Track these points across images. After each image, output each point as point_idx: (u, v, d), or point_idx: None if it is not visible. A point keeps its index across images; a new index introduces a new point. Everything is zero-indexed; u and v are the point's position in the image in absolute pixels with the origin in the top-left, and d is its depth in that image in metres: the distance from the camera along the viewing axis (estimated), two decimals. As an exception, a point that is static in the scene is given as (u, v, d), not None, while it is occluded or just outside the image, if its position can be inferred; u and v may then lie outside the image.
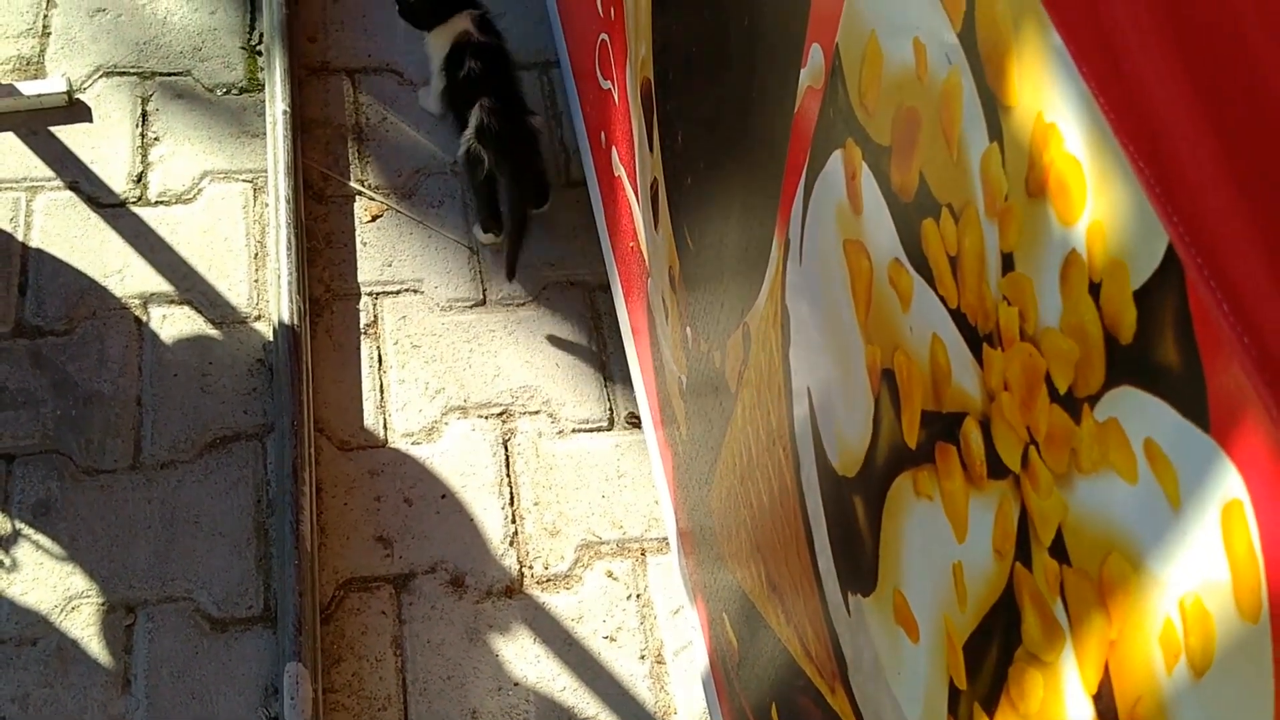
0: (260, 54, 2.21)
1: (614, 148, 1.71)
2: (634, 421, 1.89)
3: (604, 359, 1.96)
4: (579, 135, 2.07)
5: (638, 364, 1.80)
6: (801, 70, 0.97)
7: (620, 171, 1.68)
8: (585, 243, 2.07)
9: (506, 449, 1.88)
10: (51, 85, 2.07)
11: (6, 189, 1.99)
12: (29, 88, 2.07)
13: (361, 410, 1.89)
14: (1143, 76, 0.56)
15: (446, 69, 2.01)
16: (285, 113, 2.06)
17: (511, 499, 1.84)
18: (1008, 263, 0.69)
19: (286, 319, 1.86)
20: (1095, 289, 0.61)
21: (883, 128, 0.84)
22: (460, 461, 1.86)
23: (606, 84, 1.69)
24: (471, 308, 2.01)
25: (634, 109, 1.54)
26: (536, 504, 1.84)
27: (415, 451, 1.86)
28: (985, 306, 0.72)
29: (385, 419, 1.88)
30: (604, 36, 1.66)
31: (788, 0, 0.98)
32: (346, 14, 2.30)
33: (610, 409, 1.92)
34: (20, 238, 1.95)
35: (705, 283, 1.31)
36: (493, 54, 1.98)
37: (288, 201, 1.97)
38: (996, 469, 0.73)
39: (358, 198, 2.09)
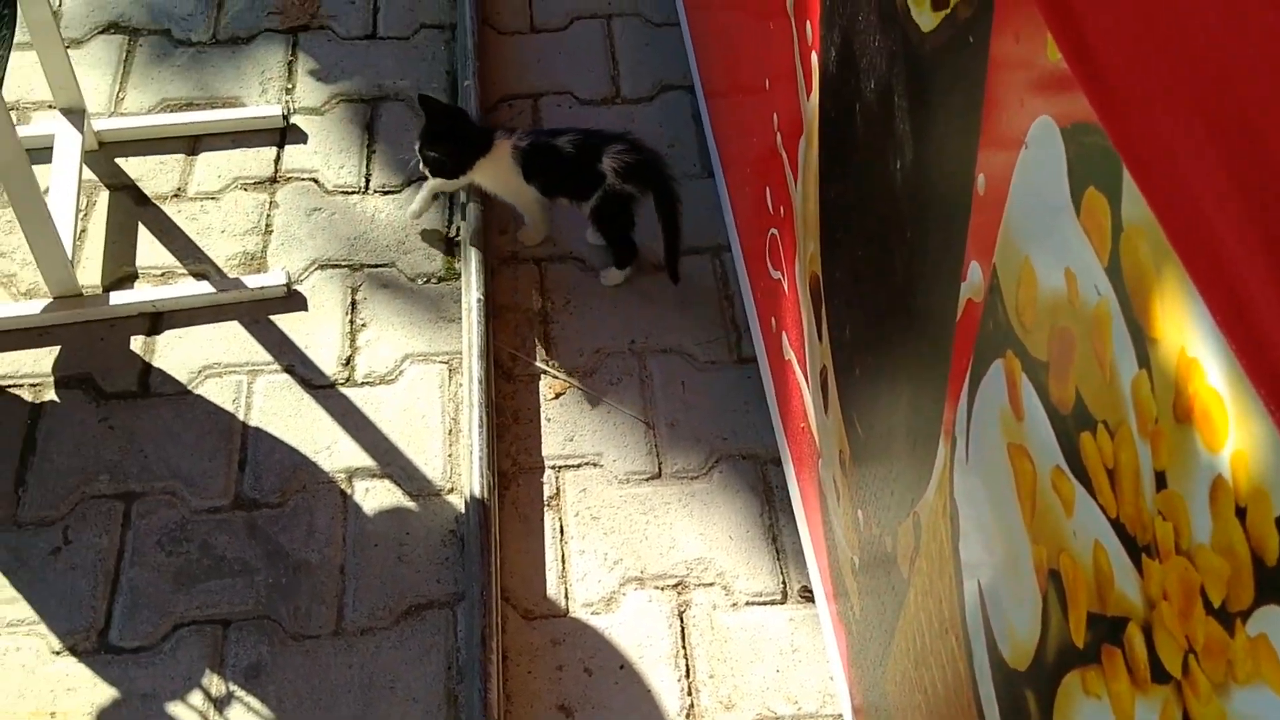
0: (457, 246, 2.42)
1: (784, 333, 1.82)
2: (807, 595, 1.95)
3: (776, 532, 2.03)
4: (750, 316, 2.18)
5: (810, 539, 1.86)
6: (962, 283, 1.05)
7: (790, 355, 1.78)
8: (756, 418, 2.16)
9: (682, 620, 1.95)
10: (273, 278, 2.31)
11: (230, 372, 2.22)
12: (253, 281, 2.31)
13: (545, 580, 1.99)
14: (1266, 325, 0.62)
15: (532, 176, 2.26)
16: (479, 300, 2.24)
17: (687, 671, 1.90)
18: (1161, 480, 0.75)
19: (477, 492, 2.00)
20: (1241, 513, 0.66)
21: (1040, 344, 0.91)
22: (637, 632, 1.93)
23: (776, 274, 1.81)
24: (647, 480, 2.11)
25: (803, 299, 1.64)
26: (712, 677, 1.89)
27: (595, 621, 1.95)
28: (1143, 519, 0.78)
29: (567, 589, 1.98)
30: (774, 231, 1.79)
31: (947, 220, 1.07)
32: (533, 205, 2.50)
33: (783, 582, 1.98)
34: (241, 417, 2.16)
35: (875, 470, 1.38)
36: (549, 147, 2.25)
37: (480, 381, 2.13)
38: (1159, 674, 0.77)
39: (543, 376, 2.24)
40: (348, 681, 1.87)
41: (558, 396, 2.22)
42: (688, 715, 1.86)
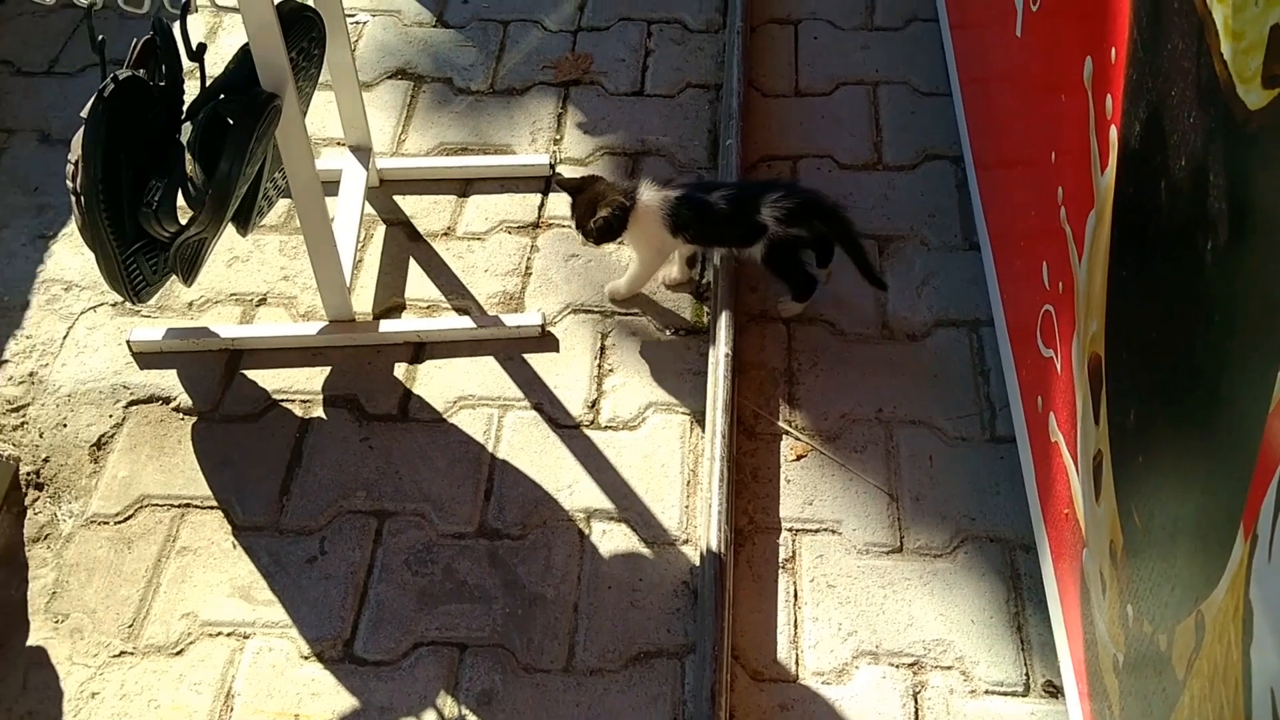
0: (707, 300, 2.46)
1: (1051, 414, 1.77)
2: (1051, 690, 1.87)
3: (1022, 621, 1.96)
4: (1011, 394, 2.13)
5: (1064, 632, 1.79)
6: (1278, 378, 1.01)
7: (1058, 438, 1.73)
8: (1007, 499, 2.10)
9: (916, 702, 1.90)
10: (529, 319, 2.40)
11: (483, 405, 2.31)
12: (511, 319, 2.41)
13: (775, 643, 1.98)
14: None
15: (681, 229, 2.31)
16: (727, 355, 2.27)
17: (917, 753, 1.85)
18: None
19: (714, 546, 2.01)
20: None
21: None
22: (869, 708, 1.90)
23: (1048, 352, 1.76)
24: (888, 554, 2.08)
25: (1079, 380, 1.59)
26: (942, 762, 1.84)
27: (825, 691, 1.92)
28: None
29: (798, 654, 1.97)
30: (1049, 307, 1.74)
31: (1266, 305, 1.03)
32: (787, 266, 2.52)
33: (1027, 674, 1.90)
34: (490, 449, 2.24)
35: (1153, 564, 1.33)
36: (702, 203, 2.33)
37: (722, 436, 2.15)
38: None
39: (784, 437, 2.24)
40: (573, 719, 1.90)
41: (799, 458, 2.21)
42: (915, 800, 1.81)
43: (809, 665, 1.95)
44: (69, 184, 1.98)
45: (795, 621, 2.01)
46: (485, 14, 3.08)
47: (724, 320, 2.33)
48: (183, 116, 2.08)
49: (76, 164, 1.96)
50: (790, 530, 2.12)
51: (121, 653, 2.01)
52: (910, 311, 2.43)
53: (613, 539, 2.12)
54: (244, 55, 2.07)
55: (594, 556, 2.10)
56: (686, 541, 2.11)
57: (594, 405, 2.31)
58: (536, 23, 3.06)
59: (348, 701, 1.94)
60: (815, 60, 2.96)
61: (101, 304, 2.49)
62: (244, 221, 2.28)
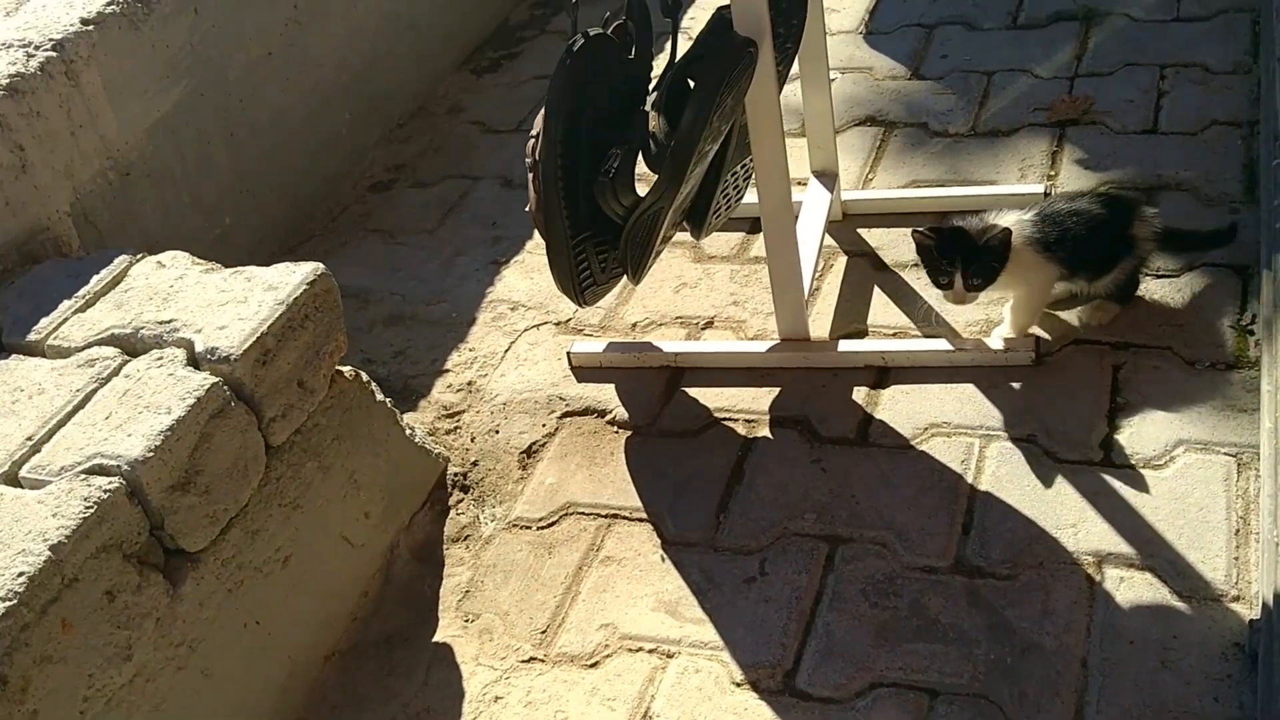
0: (1252, 333, 2.02)
1: None
2: None
3: None
4: None
5: None
6: None
7: None
8: None
9: None
10: (1020, 343, 2.06)
11: (960, 434, 1.97)
12: (997, 343, 2.08)
13: (1382, 733, 1.45)
14: None
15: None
16: (1290, 378, 1.82)
17: None
18: None
19: (1281, 602, 1.53)
20: None
21: None
22: None
23: None
24: None
25: None
26: None
27: None
28: None
29: None
30: None
31: None
32: (1360, 299, 2.04)
33: None
34: (969, 480, 1.89)
35: None
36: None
37: (1285, 476, 1.69)
38: None
39: (1374, 487, 1.73)
40: (1086, 795, 1.46)
41: (1398, 512, 1.69)
42: None
43: None
44: (527, 160, 1.92)
45: None
46: (967, 65, 2.88)
47: None
48: (650, 88, 1.99)
49: (537, 136, 1.89)
50: (1391, 597, 1.60)
51: (531, 659, 1.79)
52: None
53: (1133, 588, 1.69)
54: (714, 22, 1.95)
55: (1108, 605, 1.67)
56: (1237, 599, 1.64)
57: (1105, 442, 1.91)
58: (1026, 71, 2.81)
59: (785, 738, 1.60)
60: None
61: (545, 323, 2.41)
62: (699, 223, 2.14)
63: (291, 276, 1.77)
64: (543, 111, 1.86)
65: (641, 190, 1.92)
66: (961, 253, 1.96)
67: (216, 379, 1.62)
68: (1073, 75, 2.76)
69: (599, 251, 2.01)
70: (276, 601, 1.75)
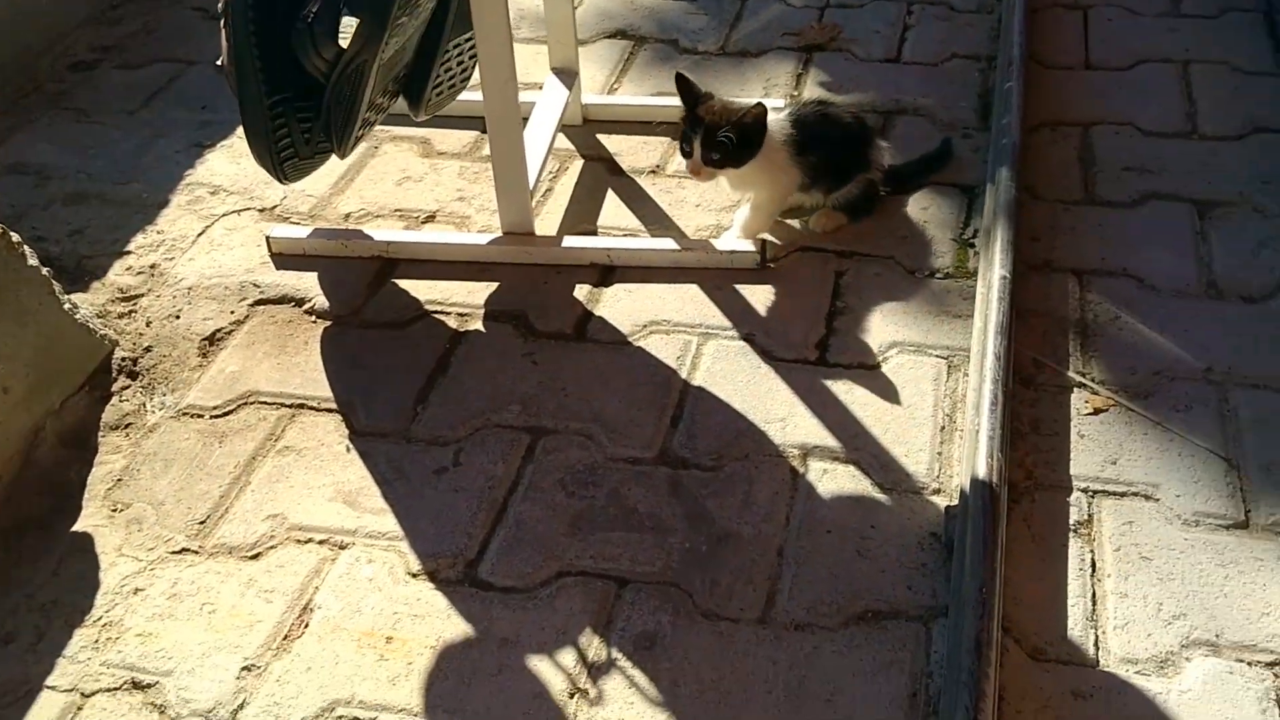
0: (972, 246, 2.02)
1: None
2: None
3: None
4: None
5: None
6: None
7: None
8: (1406, 477, 1.54)
9: (1283, 711, 1.32)
10: (745, 245, 2.00)
11: (680, 331, 1.89)
12: (724, 244, 2.01)
13: (1065, 617, 1.44)
14: None
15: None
16: (1004, 278, 1.81)
17: (1292, 780, 1.26)
18: None
19: (983, 494, 1.50)
20: None
21: None
22: (1209, 712, 1.32)
23: None
24: (1228, 528, 1.53)
25: None
26: (1335, 796, 1.24)
27: (1141, 683, 1.36)
28: None
29: (1098, 635, 1.41)
30: None
31: None
32: (1079, 220, 2.06)
33: None
34: (684, 375, 1.82)
35: None
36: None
37: (997, 377, 1.67)
38: None
39: (1076, 389, 1.74)
40: (767, 679, 1.39)
41: (1097, 413, 1.70)
42: (1295, 840, 1.21)
43: (1115, 649, 1.40)
44: (219, 5, 1.74)
45: (1093, 595, 1.46)
46: (721, -11, 2.83)
47: (999, 257, 1.87)
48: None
49: (228, -23, 1.71)
50: (1085, 491, 1.59)
51: (184, 549, 1.61)
52: (1243, 273, 1.93)
53: (836, 480, 1.64)
54: None
55: (809, 497, 1.61)
56: (938, 491, 1.61)
57: (822, 343, 1.86)
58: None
59: (458, 628, 1.48)
60: (1110, 38, 2.57)
61: (248, 209, 2.22)
62: (416, 98, 1.99)
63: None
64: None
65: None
66: (707, 127, 1.88)
67: None
68: (824, 5, 2.75)
69: (301, 120, 1.84)
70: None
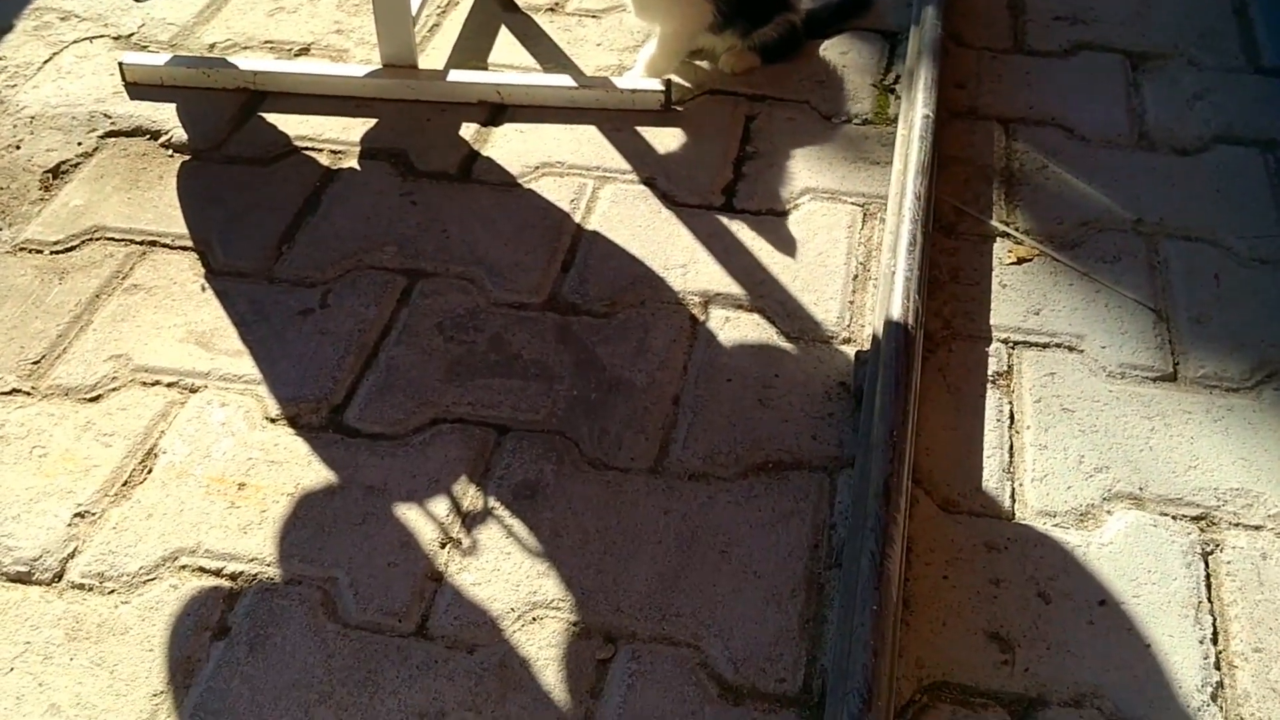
0: (893, 92, 1.90)
1: None
2: None
3: (1382, 466, 1.30)
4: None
5: None
6: None
7: None
8: (1339, 330, 1.47)
9: (1207, 565, 1.24)
10: (649, 84, 1.86)
11: (574, 174, 1.76)
12: (625, 83, 1.87)
13: (980, 469, 1.35)
14: None
15: None
16: (926, 117, 1.70)
17: (1215, 634, 1.18)
18: None
19: (896, 340, 1.40)
20: None
21: None
22: (1131, 564, 1.24)
23: None
24: (1155, 381, 1.45)
25: None
26: (1259, 651, 1.17)
27: (1059, 536, 1.27)
28: None
29: (1014, 487, 1.33)
30: None
31: None
32: (1006, 68, 1.95)
33: (1404, 526, 1.24)
34: (577, 219, 1.68)
35: None
36: None
37: (912, 223, 1.56)
38: None
39: (999, 239, 1.64)
40: (659, 531, 1.28)
41: (1020, 262, 1.61)
42: (1214, 693, 1.13)
43: (1033, 502, 1.31)
44: None
45: (1011, 447, 1.37)
46: None
47: (921, 103, 1.75)
48: None
49: None
50: (1005, 341, 1.50)
51: (14, 390, 1.45)
52: (1177, 125, 1.84)
53: (739, 328, 1.52)
54: None
55: (710, 345, 1.50)
56: (848, 341, 1.51)
57: (729, 187, 1.74)
58: None
59: (320, 475, 1.35)
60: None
61: (101, 35, 2.03)
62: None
63: None
64: None
65: None
66: None
67: None
68: None
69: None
70: None
